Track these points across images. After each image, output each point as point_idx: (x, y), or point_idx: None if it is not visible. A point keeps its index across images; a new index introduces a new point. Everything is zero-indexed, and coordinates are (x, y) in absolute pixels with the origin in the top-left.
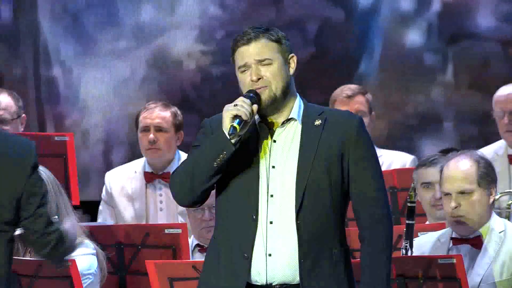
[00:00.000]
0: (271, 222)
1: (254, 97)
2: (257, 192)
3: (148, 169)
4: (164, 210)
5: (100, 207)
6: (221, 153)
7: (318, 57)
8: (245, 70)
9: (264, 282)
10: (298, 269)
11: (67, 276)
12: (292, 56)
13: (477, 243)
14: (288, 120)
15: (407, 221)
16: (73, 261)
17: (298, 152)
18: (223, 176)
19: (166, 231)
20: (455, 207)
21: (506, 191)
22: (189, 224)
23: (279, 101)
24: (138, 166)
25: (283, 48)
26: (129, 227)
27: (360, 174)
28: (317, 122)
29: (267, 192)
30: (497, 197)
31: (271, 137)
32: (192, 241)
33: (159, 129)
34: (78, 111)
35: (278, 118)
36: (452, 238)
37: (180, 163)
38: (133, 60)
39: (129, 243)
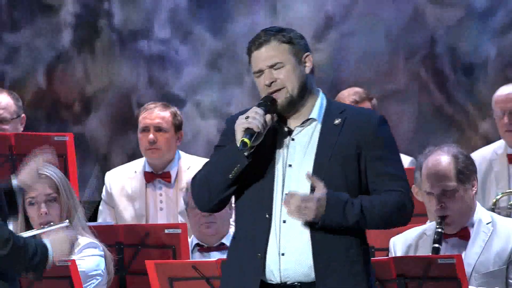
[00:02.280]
0: (284, 221)
1: (268, 104)
2: (272, 190)
3: (148, 169)
4: (164, 210)
5: (100, 207)
6: (235, 165)
7: None
8: (260, 75)
9: (278, 281)
10: (312, 268)
11: (67, 276)
12: (308, 55)
13: (464, 234)
14: (308, 120)
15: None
16: (73, 261)
17: (315, 151)
18: (242, 179)
19: (166, 231)
20: (440, 207)
21: (507, 191)
22: (189, 223)
23: (297, 101)
24: (138, 166)
25: (295, 48)
26: (129, 227)
27: (377, 174)
28: (337, 121)
29: (282, 191)
30: (498, 197)
31: (289, 136)
32: (192, 241)
33: (158, 129)
34: None
35: (298, 118)
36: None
37: (179, 163)
38: None
39: (129, 243)
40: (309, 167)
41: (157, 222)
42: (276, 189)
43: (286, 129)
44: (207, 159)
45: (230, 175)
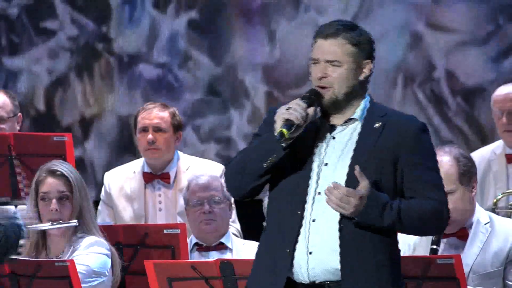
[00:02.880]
0: (313, 220)
1: (312, 97)
2: (306, 188)
3: (147, 170)
4: (163, 210)
5: (99, 207)
6: (271, 155)
7: None
8: (315, 63)
9: (306, 280)
10: (339, 269)
11: (66, 276)
12: (368, 63)
13: (462, 234)
14: (350, 119)
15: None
16: (72, 261)
17: (353, 152)
18: (277, 169)
19: (165, 231)
20: None
21: (507, 191)
22: (188, 222)
23: (341, 103)
24: (137, 166)
25: (359, 52)
26: (128, 227)
27: (415, 181)
28: (377, 125)
29: (315, 189)
30: (498, 197)
31: (331, 134)
32: (190, 240)
33: (157, 129)
34: None
35: (341, 117)
36: None
37: (178, 163)
38: None
39: (128, 243)
40: (344, 167)
41: (156, 223)
42: (310, 188)
43: (328, 126)
44: (207, 160)
45: (265, 164)
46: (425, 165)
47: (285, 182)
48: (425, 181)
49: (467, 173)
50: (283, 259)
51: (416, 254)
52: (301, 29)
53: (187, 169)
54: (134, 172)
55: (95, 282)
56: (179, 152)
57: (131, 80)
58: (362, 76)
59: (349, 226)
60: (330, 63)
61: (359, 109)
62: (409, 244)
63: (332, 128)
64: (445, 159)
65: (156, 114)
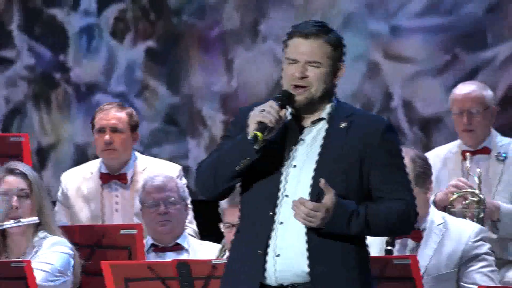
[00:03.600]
0: (281, 223)
1: (285, 99)
2: (276, 190)
3: (104, 170)
4: (120, 211)
5: (56, 208)
6: (244, 158)
7: None
8: (292, 63)
9: (274, 283)
10: (306, 271)
11: (22, 277)
12: (342, 65)
13: (416, 236)
14: (319, 120)
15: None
16: (28, 261)
17: (318, 153)
18: (248, 171)
19: (122, 231)
20: None
21: (462, 191)
22: (144, 223)
23: (315, 104)
24: (93, 167)
25: (336, 54)
26: (85, 228)
27: (383, 182)
28: (343, 125)
29: (283, 192)
30: (454, 197)
31: (300, 136)
32: (147, 241)
33: (115, 130)
34: None
35: (310, 118)
36: None
37: (135, 164)
38: None
39: (85, 243)
40: (311, 169)
41: (113, 223)
42: (280, 190)
43: (297, 128)
44: (164, 161)
45: (238, 167)
46: (392, 165)
47: (257, 185)
48: (392, 181)
49: (423, 174)
50: (256, 262)
51: (371, 253)
52: (259, 59)
53: (144, 170)
54: (91, 172)
55: (59, 282)
56: (136, 152)
57: (88, 109)
58: (337, 78)
59: (316, 228)
60: (309, 63)
61: (327, 109)
62: None
63: (301, 129)
64: None
65: (113, 114)
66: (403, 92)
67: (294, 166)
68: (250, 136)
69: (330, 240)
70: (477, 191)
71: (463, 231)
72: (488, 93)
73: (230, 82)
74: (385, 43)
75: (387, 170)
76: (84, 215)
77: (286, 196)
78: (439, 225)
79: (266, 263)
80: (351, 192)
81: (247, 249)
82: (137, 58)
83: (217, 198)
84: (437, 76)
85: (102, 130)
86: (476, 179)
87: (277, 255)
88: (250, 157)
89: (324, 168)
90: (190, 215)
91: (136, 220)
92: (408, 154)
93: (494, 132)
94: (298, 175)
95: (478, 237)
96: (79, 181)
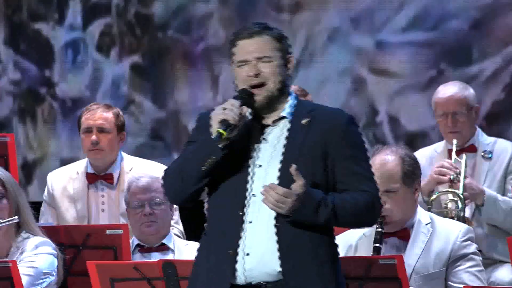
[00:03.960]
0: (250, 222)
1: (245, 97)
2: (243, 191)
3: (90, 170)
4: (106, 211)
5: (42, 208)
6: (209, 157)
7: None
8: (243, 65)
9: (243, 281)
10: (277, 269)
11: (8, 277)
12: (291, 57)
13: (404, 235)
14: (280, 118)
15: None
16: (14, 262)
17: (283, 151)
18: (215, 173)
19: (107, 232)
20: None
21: (442, 190)
22: (129, 223)
23: (275, 100)
24: (80, 167)
25: (283, 47)
26: (70, 228)
27: (347, 174)
28: (305, 121)
29: (250, 191)
30: (434, 196)
31: (262, 136)
32: (132, 241)
33: (101, 130)
34: None
35: (271, 117)
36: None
37: (122, 164)
38: None
39: (70, 244)
40: (276, 167)
41: (99, 223)
42: (247, 190)
43: (259, 128)
44: (151, 161)
45: (204, 167)
46: (355, 157)
47: (223, 186)
48: (356, 173)
49: (411, 173)
50: (226, 261)
51: (358, 254)
52: None
53: (130, 170)
54: (77, 172)
55: (45, 284)
56: (122, 153)
57: (74, 125)
58: (289, 71)
59: (286, 225)
60: (260, 60)
61: (287, 106)
62: (351, 245)
63: (263, 128)
64: (390, 158)
65: (100, 114)
66: (389, 107)
67: (259, 166)
68: (213, 134)
69: (300, 236)
70: (458, 191)
71: (451, 231)
72: (470, 92)
73: (215, 97)
74: (371, 58)
75: (350, 163)
76: (70, 215)
77: (254, 195)
78: (426, 224)
79: (236, 263)
80: (317, 186)
81: (216, 249)
82: (123, 73)
83: (185, 202)
84: (422, 91)
85: (88, 130)
86: (463, 162)
87: (247, 254)
88: (215, 155)
89: (288, 167)
90: (176, 215)
91: (122, 220)
92: (397, 152)
93: (478, 130)
94: (264, 175)
95: (466, 237)
96: (65, 181)
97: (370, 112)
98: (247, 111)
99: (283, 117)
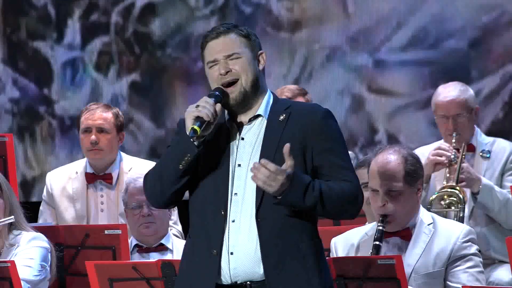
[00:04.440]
0: (233, 221)
1: (219, 95)
2: (225, 190)
3: (90, 170)
4: (105, 211)
5: (41, 208)
6: (185, 155)
7: None
8: (213, 66)
9: (228, 281)
10: (261, 266)
11: (7, 277)
12: (262, 53)
13: (406, 235)
14: (255, 117)
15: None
16: (12, 262)
17: (261, 148)
18: (194, 175)
19: (106, 231)
20: (383, 205)
21: (442, 190)
22: (128, 224)
23: (249, 97)
24: (79, 166)
25: (252, 43)
26: (69, 228)
27: (327, 166)
28: (281, 118)
29: (232, 191)
30: (433, 197)
31: (239, 135)
32: (131, 241)
33: (100, 130)
34: None
35: (247, 115)
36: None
37: (121, 164)
38: None
39: (69, 244)
40: None
41: (98, 223)
42: (229, 190)
43: (236, 128)
44: (149, 161)
45: (181, 165)
46: (334, 150)
47: (204, 185)
48: (337, 164)
49: (414, 173)
50: (210, 262)
51: (361, 253)
52: None
53: (129, 170)
54: (77, 172)
55: (42, 276)
56: (122, 153)
57: (73, 143)
58: (260, 66)
59: (266, 220)
60: (229, 57)
61: (263, 104)
62: (353, 244)
63: (240, 128)
64: (393, 158)
65: (99, 114)
66: (388, 125)
67: (239, 165)
68: (188, 131)
69: (282, 229)
70: (456, 190)
71: (452, 231)
72: (470, 94)
73: None
74: (369, 77)
75: (329, 155)
76: (69, 214)
77: (235, 194)
78: (428, 225)
79: (221, 262)
80: None
81: (200, 249)
82: (121, 91)
83: (166, 205)
84: (421, 110)
85: (88, 130)
86: (461, 149)
87: (231, 253)
88: (191, 153)
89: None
90: (175, 215)
91: (121, 220)
92: (400, 152)
93: (477, 130)
94: (244, 174)
95: (467, 238)
96: (64, 180)
97: (369, 130)
98: (220, 107)
99: (258, 115)
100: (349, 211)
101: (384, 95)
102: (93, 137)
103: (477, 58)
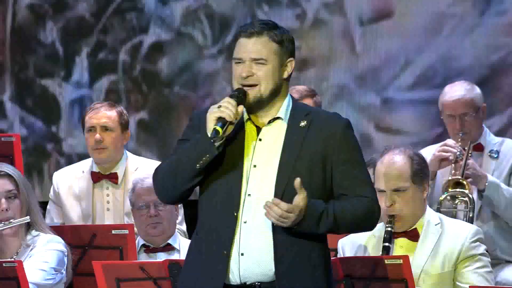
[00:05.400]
0: (245, 222)
1: (240, 96)
2: (238, 190)
3: (95, 169)
4: (111, 210)
5: (48, 207)
6: (204, 156)
7: None
8: (239, 63)
9: (238, 281)
10: (272, 270)
11: (14, 277)
12: (291, 61)
13: (413, 235)
14: (275, 119)
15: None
16: (20, 261)
17: (281, 152)
18: (207, 173)
19: (113, 231)
20: (390, 205)
21: (451, 191)
22: (135, 224)
23: (265, 102)
24: (85, 166)
25: (282, 50)
26: (77, 228)
27: (345, 179)
28: (303, 124)
29: (246, 191)
30: (443, 197)
31: (257, 136)
32: (138, 241)
33: (105, 128)
34: None
35: (265, 117)
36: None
37: (127, 163)
38: None
39: (76, 244)
40: (273, 169)
41: (104, 223)
42: (242, 190)
43: (254, 128)
44: (155, 161)
45: (198, 165)
46: (352, 161)
47: (217, 185)
48: (354, 177)
49: (420, 172)
50: (219, 262)
51: (368, 253)
52: None
53: (135, 170)
54: (83, 171)
55: (55, 281)
56: (127, 152)
57: None
58: (285, 74)
59: (282, 227)
60: (255, 61)
61: (283, 108)
62: (361, 245)
63: (258, 129)
64: (399, 157)
65: (103, 113)
66: None
67: (254, 166)
68: (209, 132)
69: (295, 238)
70: (466, 191)
71: (460, 232)
72: (477, 93)
73: None
74: (377, 116)
75: (348, 167)
76: (75, 213)
77: (249, 195)
78: (436, 225)
79: (230, 263)
80: (315, 191)
81: (209, 249)
82: (130, 129)
83: (176, 201)
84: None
85: (92, 129)
86: (468, 147)
87: (242, 254)
88: (210, 154)
89: (287, 167)
90: (180, 216)
91: (127, 219)
92: (406, 152)
93: (486, 129)
94: (260, 175)
95: (475, 238)
96: (70, 180)
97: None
98: (242, 109)
99: (278, 118)
100: (366, 227)
101: (392, 134)
102: (97, 135)
103: (485, 97)
